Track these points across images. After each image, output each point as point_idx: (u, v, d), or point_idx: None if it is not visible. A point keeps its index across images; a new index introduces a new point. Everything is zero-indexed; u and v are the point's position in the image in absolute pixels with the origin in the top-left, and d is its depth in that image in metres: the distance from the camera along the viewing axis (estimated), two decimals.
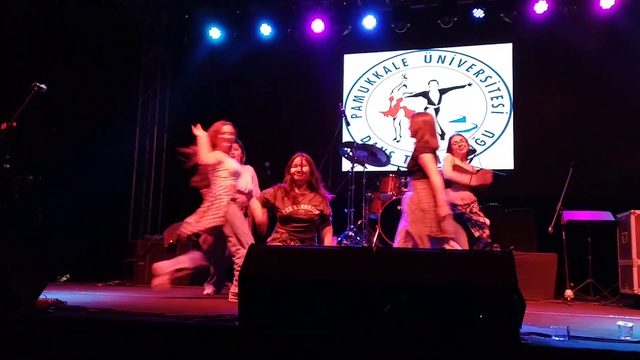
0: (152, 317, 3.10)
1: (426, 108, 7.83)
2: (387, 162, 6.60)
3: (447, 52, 7.94)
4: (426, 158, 4.23)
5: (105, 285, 6.47)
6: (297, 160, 4.37)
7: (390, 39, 7.97)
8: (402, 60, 8.11)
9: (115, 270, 7.28)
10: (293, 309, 2.67)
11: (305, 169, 4.24)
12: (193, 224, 4.43)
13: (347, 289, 2.64)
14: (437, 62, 7.98)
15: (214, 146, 4.56)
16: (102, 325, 2.90)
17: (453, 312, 2.48)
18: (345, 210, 5.95)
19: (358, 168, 6.30)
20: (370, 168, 6.57)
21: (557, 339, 2.60)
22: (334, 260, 2.82)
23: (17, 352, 2.79)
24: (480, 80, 7.75)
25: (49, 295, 3.51)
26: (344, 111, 6.57)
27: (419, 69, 8.03)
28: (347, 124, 6.69)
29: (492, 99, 7.67)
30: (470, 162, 6.22)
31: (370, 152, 6.42)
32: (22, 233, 6.88)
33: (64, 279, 7.01)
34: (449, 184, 4.87)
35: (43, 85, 4.02)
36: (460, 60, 7.88)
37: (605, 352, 2.38)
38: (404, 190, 6.19)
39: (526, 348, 2.43)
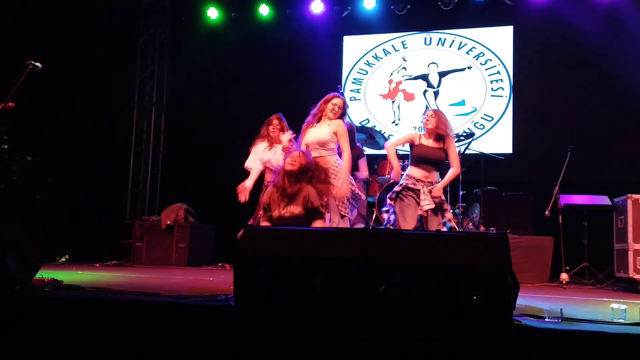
0: (148, 296, 3.12)
1: (425, 91, 7.79)
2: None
3: (447, 35, 7.87)
4: None
5: (103, 265, 6.49)
6: (295, 155, 4.04)
7: (390, 20, 7.90)
8: (402, 42, 8.05)
9: (113, 251, 7.31)
10: (288, 289, 2.69)
11: (302, 162, 3.96)
12: None
13: (342, 270, 2.65)
14: (437, 44, 7.91)
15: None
16: (97, 304, 2.91)
17: (447, 292, 2.49)
18: None
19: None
20: (368, 151, 6.55)
21: (550, 320, 2.62)
22: (329, 241, 2.82)
23: (11, 329, 2.80)
24: (480, 64, 7.70)
25: (46, 274, 3.52)
26: (342, 93, 6.54)
27: (419, 51, 7.96)
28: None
29: (491, 82, 7.62)
30: (468, 146, 6.21)
31: (369, 135, 6.41)
32: (20, 213, 6.89)
33: (63, 259, 7.04)
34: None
35: (38, 64, 3.98)
36: (461, 42, 7.81)
37: (598, 333, 2.39)
38: (402, 173, 6.18)
39: (519, 329, 2.45)
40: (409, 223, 4.37)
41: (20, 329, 2.80)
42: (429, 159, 4.48)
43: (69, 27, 7.48)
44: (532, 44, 7.50)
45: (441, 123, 4.54)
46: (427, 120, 4.56)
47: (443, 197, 4.51)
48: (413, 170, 4.53)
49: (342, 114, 4.49)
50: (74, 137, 7.65)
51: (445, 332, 2.44)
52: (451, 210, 4.72)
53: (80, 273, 5.15)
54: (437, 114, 4.62)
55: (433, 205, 4.35)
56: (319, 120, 4.47)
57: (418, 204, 4.39)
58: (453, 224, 4.61)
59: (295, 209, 3.78)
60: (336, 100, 4.46)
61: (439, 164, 4.54)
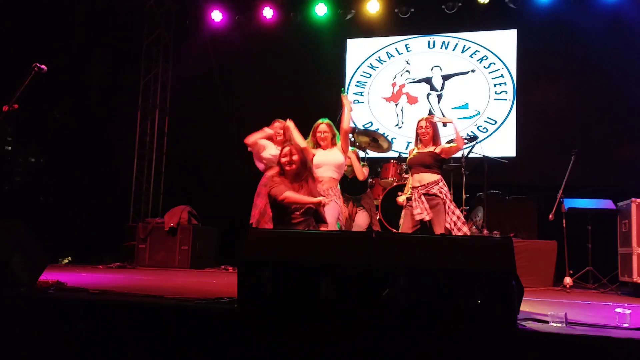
0: (151, 298, 3.12)
1: (429, 94, 7.80)
2: (389, 148, 6.58)
3: (451, 38, 7.88)
4: None
5: (107, 267, 6.50)
6: (286, 149, 4.06)
7: (394, 24, 7.92)
8: (406, 45, 8.05)
9: (117, 252, 7.32)
10: (292, 292, 2.68)
11: (295, 157, 3.97)
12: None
13: (346, 273, 2.64)
14: (441, 47, 7.92)
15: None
16: (102, 306, 2.91)
17: (451, 296, 2.49)
18: None
19: (359, 154, 6.28)
20: (371, 154, 6.55)
21: (554, 324, 2.61)
22: (333, 244, 2.82)
23: (16, 330, 2.81)
24: (484, 67, 7.70)
25: (50, 276, 3.53)
26: (346, 92, 6.54)
27: (422, 54, 7.97)
28: None
29: (495, 85, 7.62)
30: (472, 149, 6.21)
31: (372, 138, 6.40)
32: (24, 214, 6.89)
33: (66, 261, 7.04)
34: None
35: (43, 66, 4.00)
36: (464, 46, 7.82)
37: (603, 338, 2.38)
38: (405, 176, 6.17)
39: (523, 333, 2.44)
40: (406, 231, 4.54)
41: (24, 330, 2.81)
42: (418, 162, 4.62)
43: (73, 29, 7.51)
44: (535, 47, 7.49)
45: (437, 133, 4.70)
46: (424, 132, 4.67)
47: (445, 199, 4.51)
48: (410, 180, 4.72)
49: (333, 136, 4.65)
50: (77, 138, 7.67)
51: (449, 336, 2.43)
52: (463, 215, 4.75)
53: (84, 275, 5.16)
54: (432, 124, 4.73)
55: (424, 215, 4.42)
56: (316, 146, 4.66)
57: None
58: (464, 230, 4.40)
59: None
60: (321, 127, 4.65)
61: (431, 165, 4.59)
